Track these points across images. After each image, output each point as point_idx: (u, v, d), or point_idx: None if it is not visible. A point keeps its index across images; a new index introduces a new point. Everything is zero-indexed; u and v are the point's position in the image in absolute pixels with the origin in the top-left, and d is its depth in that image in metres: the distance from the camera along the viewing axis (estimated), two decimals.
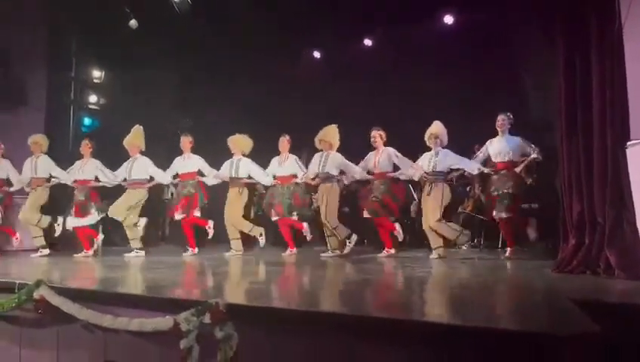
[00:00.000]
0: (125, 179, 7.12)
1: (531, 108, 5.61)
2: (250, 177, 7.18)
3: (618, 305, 3.20)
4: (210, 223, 7.15)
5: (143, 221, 7.10)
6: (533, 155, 5.83)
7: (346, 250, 6.59)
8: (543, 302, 3.56)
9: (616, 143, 4.20)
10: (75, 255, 6.95)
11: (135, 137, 7.16)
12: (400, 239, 6.75)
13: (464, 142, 6.69)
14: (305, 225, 7.00)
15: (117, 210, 6.93)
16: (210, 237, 7.20)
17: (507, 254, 5.97)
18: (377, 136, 6.66)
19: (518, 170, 5.88)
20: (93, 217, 7.02)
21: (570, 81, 4.60)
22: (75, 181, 7.16)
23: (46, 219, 7.17)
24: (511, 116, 5.99)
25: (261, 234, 7.11)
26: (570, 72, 4.61)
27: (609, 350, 2.50)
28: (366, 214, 6.62)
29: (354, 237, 6.62)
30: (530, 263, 5.54)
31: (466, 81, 8.00)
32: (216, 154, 7.45)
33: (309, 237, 7.14)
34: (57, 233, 7.21)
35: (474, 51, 7.93)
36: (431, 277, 4.86)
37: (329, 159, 6.70)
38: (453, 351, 2.49)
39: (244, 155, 7.20)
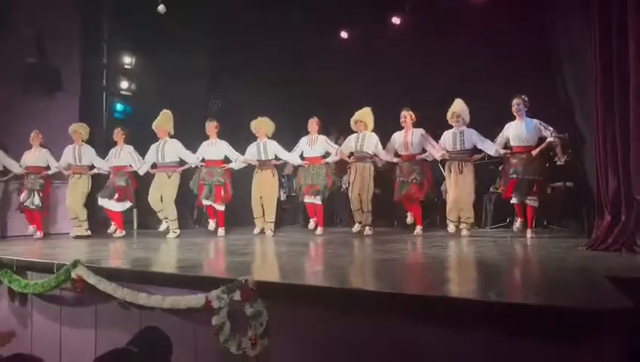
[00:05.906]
0: (155, 164, 7.27)
1: (565, 82, 5.44)
2: (277, 158, 7.27)
3: None
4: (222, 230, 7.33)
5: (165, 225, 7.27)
6: (550, 138, 5.75)
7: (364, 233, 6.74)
8: (577, 278, 3.49)
9: None
10: (109, 232, 7.26)
11: (163, 121, 7.25)
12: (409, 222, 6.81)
13: (493, 120, 6.54)
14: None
15: (169, 210, 7.13)
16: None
17: (528, 236, 5.92)
18: (408, 116, 6.63)
19: (534, 153, 5.79)
20: (126, 205, 7.31)
21: (605, 49, 4.44)
22: (113, 167, 7.41)
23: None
24: (526, 99, 5.88)
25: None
26: (605, 39, 4.45)
27: None
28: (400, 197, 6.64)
29: (371, 230, 6.72)
30: (564, 242, 5.45)
31: (494, 55, 7.75)
32: (242, 135, 7.54)
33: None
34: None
35: (502, 23, 7.66)
36: (464, 256, 4.84)
37: (366, 139, 6.79)
38: (485, 327, 2.47)
39: (267, 138, 7.28)
